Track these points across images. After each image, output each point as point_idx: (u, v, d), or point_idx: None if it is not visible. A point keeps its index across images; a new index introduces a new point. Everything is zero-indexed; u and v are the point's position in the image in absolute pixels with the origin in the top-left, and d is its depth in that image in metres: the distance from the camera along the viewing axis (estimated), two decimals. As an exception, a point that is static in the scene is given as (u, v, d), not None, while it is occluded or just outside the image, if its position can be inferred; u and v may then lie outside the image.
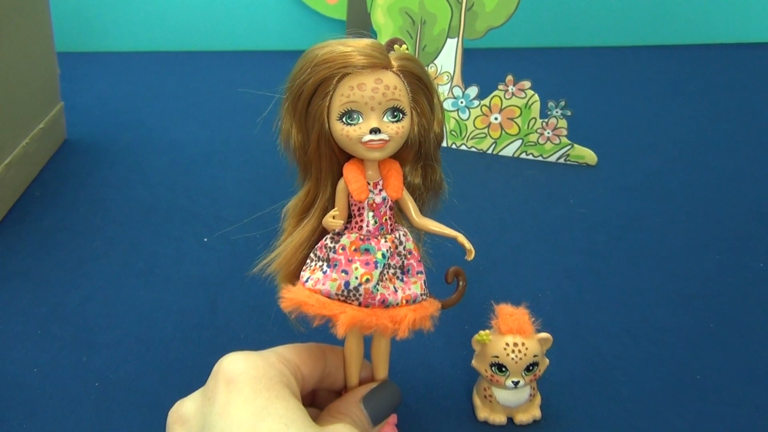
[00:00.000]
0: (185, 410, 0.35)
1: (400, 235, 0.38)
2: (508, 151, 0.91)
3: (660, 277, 0.64)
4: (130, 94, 1.10)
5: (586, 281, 0.62)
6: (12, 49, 0.73)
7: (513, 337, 0.42)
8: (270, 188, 0.79)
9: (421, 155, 0.39)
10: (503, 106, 0.88)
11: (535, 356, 0.42)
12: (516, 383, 0.42)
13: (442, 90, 0.89)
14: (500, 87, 0.87)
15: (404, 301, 0.37)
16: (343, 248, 0.37)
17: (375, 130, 0.34)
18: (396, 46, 0.36)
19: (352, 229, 0.38)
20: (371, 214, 0.37)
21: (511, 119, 0.88)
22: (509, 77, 0.85)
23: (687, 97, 1.16)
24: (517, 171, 0.87)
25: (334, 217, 0.37)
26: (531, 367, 0.42)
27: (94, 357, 0.51)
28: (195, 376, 0.49)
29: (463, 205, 0.76)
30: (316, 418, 0.38)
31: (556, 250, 0.68)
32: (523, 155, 0.90)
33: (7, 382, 0.48)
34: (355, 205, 0.37)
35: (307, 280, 0.38)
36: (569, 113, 0.85)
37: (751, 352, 0.53)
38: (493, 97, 0.88)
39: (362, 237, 0.37)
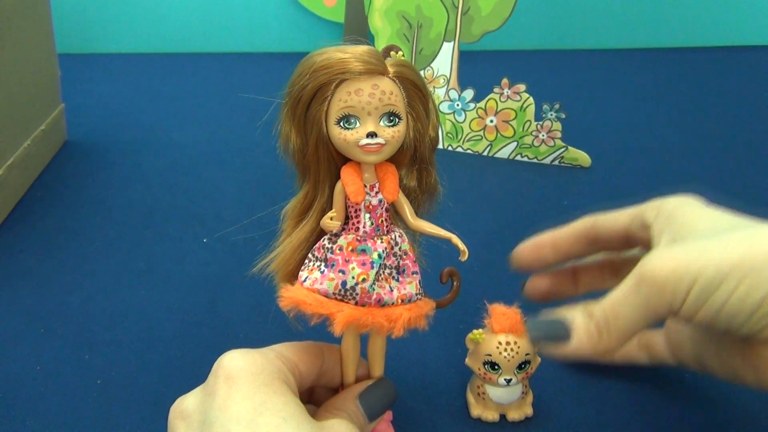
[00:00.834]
0: (186, 405, 0.36)
1: (395, 236, 0.39)
2: (504, 153, 0.92)
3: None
4: (131, 95, 1.10)
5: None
6: (13, 52, 0.74)
7: (506, 336, 0.43)
8: (269, 189, 0.79)
9: (416, 158, 0.39)
10: (499, 109, 0.88)
11: (527, 354, 0.43)
12: (508, 381, 0.43)
13: (439, 93, 0.90)
14: (496, 90, 0.87)
15: (400, 301, 0.38)
16: (341, 249, 0.38)
17: (371, 135, 0.35)
18: (392, 53, 0.37)
19: (349, 230, 0.38)
20: (368, 215, 0.38)
21: (507, 122, 0.89)
22: (504, 80, 0.86)
23: (681, 100, 1.16)
24: (513, 173, 0.87)
25: (331, 219, 0.38)
26: (523, 365, 0.43)
27: (96, 355, 0.52)
28: (195, 374, 0.49)
29: (459, 206, 0.77)
30: (313, 414, 0.38)
31: (550, 250, 0.68)
32: (518, 157, 0.91)
33: (10, 381, 0.49)
34: (352, 207, 0.38)
35: (305, 280, 0.38)
36: (564, 116, 0.86)
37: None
38: (488, 100, 0.88)
39: (359, 238, 0.38)
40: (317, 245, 0.39)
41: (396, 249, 0.39)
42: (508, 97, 0.87)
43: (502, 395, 0.45)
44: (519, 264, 0.47)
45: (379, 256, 0.37)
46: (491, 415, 0.46)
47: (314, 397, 0.43)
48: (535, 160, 0.91)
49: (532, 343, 0.43)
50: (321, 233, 0.39)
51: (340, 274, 0.37)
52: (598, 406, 0.48)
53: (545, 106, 0.86)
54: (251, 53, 1.39)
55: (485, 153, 0.93)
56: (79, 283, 0.61)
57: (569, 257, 0.46)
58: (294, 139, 0.38)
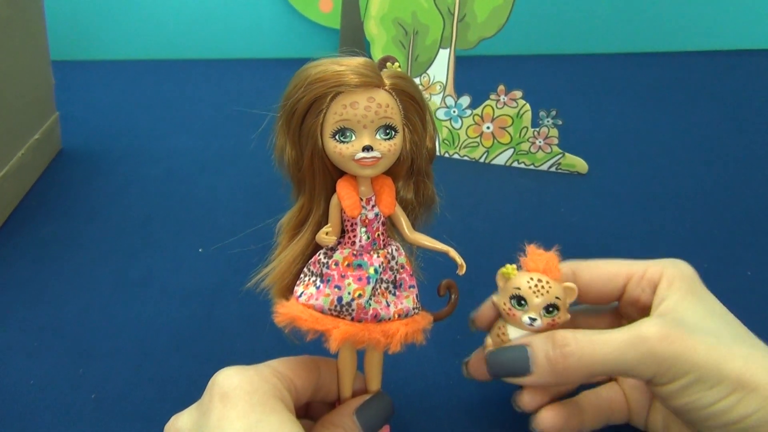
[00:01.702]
0: (181, 424, 0.35)
1: (392, 250, 0.38)
2: (500, 160, 0.91)
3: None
4: (126, 102, 1.09)
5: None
6: (6, 59, 0.73)
7: (538, 274, 0.41)
8: (266, 198, 0.79)
9: (413, 171, 0.39)
10: (495, 116, 0.88)
11: (557, 298, 0.40)
12: (533, 320, 0.40)
13: (435, 100, 0.89)
14: (492, 97, 0.87)
15: (396, 316, 0.37)
16: (336, 264, 0.37)
17: (367, 148, 0.34)
18: (388, 64, 0.37)
19: (345, 244, 0.38)
20: (364, 229, 0.37)
21: (503, 128, 0.89)
22: (501, 87, 0.86)
23: (678, 105, 1.16)
24: (509, 179, 0.87)
25: (327, 233, 0.38)
26: (551, 309, 0.40)
27: (91, 368, 0.51)
28: (191, 388, 0.49)
29: (455, 213, 0.76)
30: (309, 430, 0.38)
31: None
32: (515, 164, 0.91)
33: (2, 395, 0.49)
34: (348, 220, 0.37)
35: (300, 295, 0.38)
36: (560, 122, 0.86)
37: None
38: (485, 106, 0.88)
39: (355, 252, 0.37)
40: (313, 260, 0.39)
41: (393, 263, 0.38)
42: (504, 103, 0.87)
43: (522, 336, 0.42)
44: (480, 324, 0.45)
45: (376, 270, 0.37)
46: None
47: (311, 411, 0.43)
48: (531, 167, 0.90)
49: (492, 375, 0.42)
50: (317, 247, 0.39)
51: (336, 289, 0.37)
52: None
53: (542, 113, 0.86)
54: (247, 59, 1.38)
55: (482, 160, 0.92)
56: (74, 294, 0.61)
57: None
58: (289, 152, 0.37)
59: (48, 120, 0.87)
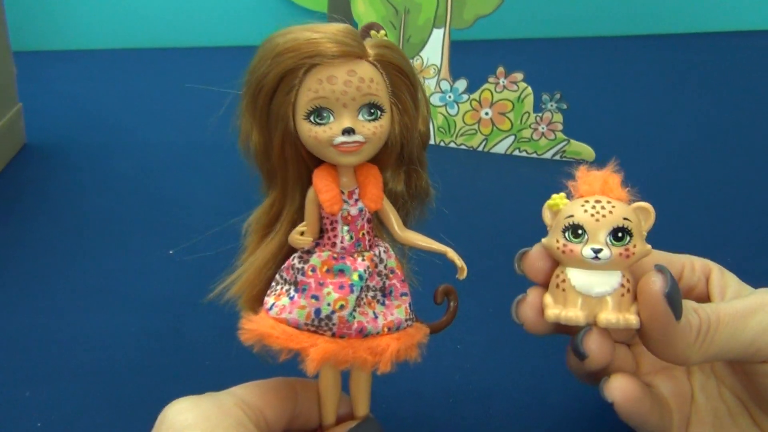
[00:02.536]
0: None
1: (380, 252, 0.34)
2: (500, 148, 0.87)
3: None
4: (95, 94, 1.06)
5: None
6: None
7: (596, 196, 0.33)
8: (247, 195, 0.73)
9: (404, 158, 0.35)
10: (494, 101, 0.84)
11: (626, 219, 0.32)
12: (597, 252, 0.32)
13: (429, 84, 0.85)
14: (490, 80, 0.83)
15: (386, 329, 0.33)
16: (313, 269, 0.33)
17: (348, 131, 0.30)
18: (372, 32, 0.32)
19: (324, 246, 0.33)
20: (346, 228, 0.33)
21: (503, 114, 0.85)
22: (500, 69, 0.82)
23: (690, 88, 1.12)
24: (510, 169, 0.83)
25: (302, 234, 0.33)
26: (621, 235, 0.32)
27: (39, 392, 0.46)
28: (152, 412, 0.43)
29: (452, 207, 0.70)
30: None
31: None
32: (516, 152, 0.87)
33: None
34: (328, 218, 0.33)
35: (271, 308, 0.33)
36: (565, 107, 0.82)
37: None
38: (483, 90, 0.84)
39: (335, 255, 0.33)
40: (286, 265, 0.34)
41: (381, 267, 0.34)
42: (504, 87, 0.83)
43: (588, 280, 0.33)
44: (529, 271, 0.39)
45: (360, 276, 0.33)
46: (573, 314, 0.32)
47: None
48: (534, 155, 0.86)
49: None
50: (291, 250, 0.34)
51: (313, 300, 0.32)
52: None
53: (545, 96, 0.82)
54: (228, 47, 1.32)
55: (480, 148, 0.88)
56: (26, 304, 0.55)
57: None
58: (256, 138, 0.33)
59: (10, 112, 0.82)
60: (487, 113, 0.85)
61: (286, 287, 0.34)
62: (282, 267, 0.34)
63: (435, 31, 0.83)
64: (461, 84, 0.84)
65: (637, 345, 0.39)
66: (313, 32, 0.30)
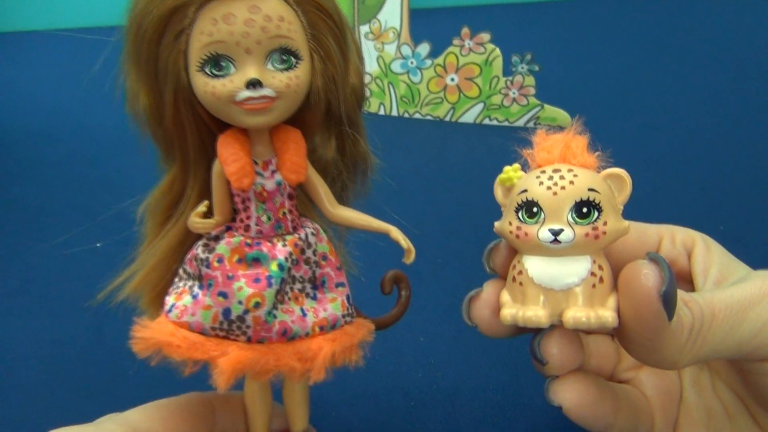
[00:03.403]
0: None
1: (307, 235, 0.29)
2: (469, 117, 0.83)
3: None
4: (27, 76, 1.01)
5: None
6: None
7: (554, 165, 0.27)
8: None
9: (333, 119, 0.29)
10: (460, 65, 0.79)
11: (592, 191, 0.26)
12: (557, 234, 0.25)
13: (388, 50, 0.78)
14: (455, 42, 0.78)
15: (317, 329, 0.28)
16: (220, 260, 0.28)
17: (254, 83, 0.25)
18: None
19: (236, 230, 0.28)
20: (261, 206, 0.28)
21: (470, 79, 0.79)
22: (465, 30, 0.77)
23: (668, 48, 1.09)
24: (480, 139, 0.78)
25: (204, 215, 0.28)
26: (586, 210, 0.25)
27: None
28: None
29: (418, 183, 0.67)
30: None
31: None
32: (487, 121, 0.82)
33: None
34: (239, 195, 0.28)
35: (170, 309, 0.28)
36: (537, 69, 0.77)
37: None
38: (447, 54, 0.79)
39: (249, 241, 0.28)
40: (189, 256, 0.29)
41: (309, 253, 0.29)
42: (470, 49, 0.77)
43: (550, 270, 0.26)
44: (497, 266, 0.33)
45: (281, 266, 0.27)
46: (533, 313, 0.26)
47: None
48: (506, 123, 0.81)
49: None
50: (199, 238, 0.29)
51: (220, 298, 0.27)
52: None
53: (515, 58, 0.77)
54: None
55: (447, 118, 0.83)
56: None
57: None
58: (144, 99, 0.28)
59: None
60: (453, 79, 0.80)
61: (190, 283, 0.29)
62: (185, 259, 0.29)
63: (392, -10, 0.77)
64: (424, 48, 0.79)
65: None
66: None
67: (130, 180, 0.69)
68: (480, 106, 0.80)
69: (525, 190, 0.26)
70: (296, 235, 0.28)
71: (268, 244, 0.27)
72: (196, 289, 0.27)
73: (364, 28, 0.77)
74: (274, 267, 0.27)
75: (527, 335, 0.29)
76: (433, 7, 0.90)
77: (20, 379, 0.43)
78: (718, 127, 0.81)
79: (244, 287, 0.26)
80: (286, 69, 0.26)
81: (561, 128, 0.71)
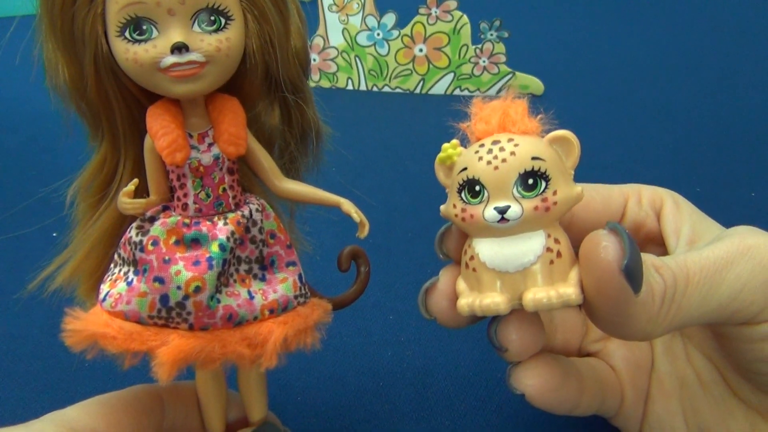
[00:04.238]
0: None
1: (251, 212, 0.27)
2: (439, 89, 0.81)
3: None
4: None
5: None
6: None
7: (493, 136, 0.25)
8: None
9: (274, 85, 0.27)
10: (428, 35, 0.77)
11: (536, 159, 0.24)
12: (503, 211, 0.23)
13: (353, 22, 0.76)
14: (421, 11, 0.76)
15: (267, 312, 0.26)
16: (155, 242, 0.26)
17: (179, 48, 0.23)
18: None
19: (174, 209, 0.26)
20: (199, 183, 0.26)
21: (439, 49, 0.77)
22: None
23: (639, 6, 1.08)
24: (451, 111, 0.74)
25: (131, 194, 0.26)
26: (532, 181, 0.24)
27: None
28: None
29: (389, 157, 0.65)
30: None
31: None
32: (457, 91, 0.80)
33: None
34: (174, 171, 0.26)
35: (104, 298, 0.25)
36: (506, 35, 0.75)
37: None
38: (414, 24, 0.77)
39: (187, 221, 0.26)
40: (122, 239, 0.27)
41: (254, 231, 0.27)
42: (437, 17, 0.75)
43: (501, 252, 0.24)
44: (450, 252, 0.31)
45: (222, 246, 0.25)
46: (491, 300, 0.24)
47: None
48: (477, 93, 0.80)
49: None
50: (135, 219, 0.27)
51: (157, 284, 0.25)
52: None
53: (483, 25, 0.75)
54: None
55: (417, 90, 0.81)
56: None
57: None
58: (64, 70, 0.25)
59: None
60: (421, 50, 0.77)
61: (125, 269, 0.27)
62: (120, 242, 0.27)
63: (354, -42, 0.74)
64: (389, 18, 0.77)
65: None
66: None
67: (84, 165, 0.67)
68: (450, 76, 0.78)
69: (465, 168, 0.24)
70: (239, 213, 0.26)
71: (208, 223, 0.25)
72: (130, 276, 0.25)
73: (328, 1, 0.75)
74: (214, 248, 0.25)
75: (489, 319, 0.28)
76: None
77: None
78: (693, 89, 0.80)
79: (182, 271, 0.24)
80: (216, 31, 0.24)
81: (534, 96, 0.68)
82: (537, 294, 0.23)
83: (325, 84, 0.81)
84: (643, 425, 0.30)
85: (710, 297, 0.23)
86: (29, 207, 0.58)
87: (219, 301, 0.25)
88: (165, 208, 0.26)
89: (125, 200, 0.25)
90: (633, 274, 0.22)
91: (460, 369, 0.38)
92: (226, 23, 0.24)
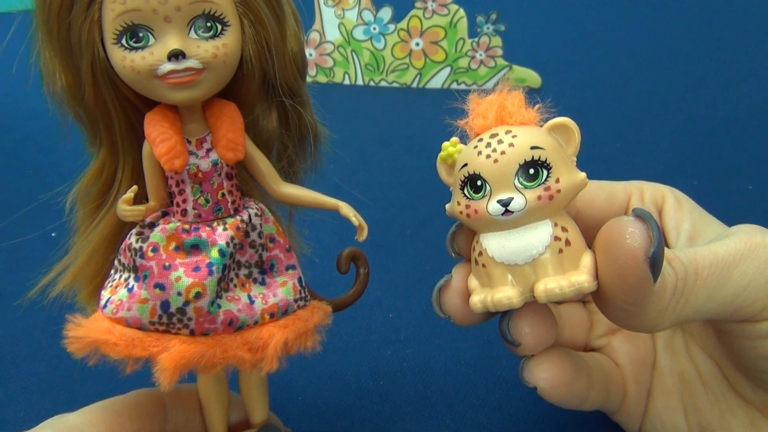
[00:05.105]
0: None
1: (250, 216, 0.27)
2: (436, 83, 0.81)
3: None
4: None
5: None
6: None
7: (491, 130, 0.25)
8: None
9: (271, 89, 0.27)
10: (424, 28, 0.77)
11: (535, 149, 0.24)
12: (506, 204, 0.23)
13: (349, 17, 0.75)
14: (417, 5, 0.76)
15: (267, 316, 0.27)
16: (155, 249, 0.26)
17: (176, 55, 0.23)
18: None
19: (173, 215, 0.26)
20: (198, 188, 0.26)
21: (436, 43, 0.77)
22: None
23: (638, 1, 1.08)
24: (449, 105, 0.74)
25: (131, 201, 0.25)
26: (534, 171, 0.24)
27: None
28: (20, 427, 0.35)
29: (386, 152, 0.65)
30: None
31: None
32: (454, 85, 0.81)
33: None
34: (173, 177, 0.26)
35: (106, 305, 0.26)
36: (503, 28, 0.75)
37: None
38: (410, 18, 0.77)
39: (186, 227, 0.26)
40: (123, 246, 0.27)
41: (253, 236, 0.27)
42: (433, 11, 0.75)
43: (508, 245, 0.24)
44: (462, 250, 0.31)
45: (222, 252, 0.26)
46: (503, 295, 0.24)
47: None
48: (474, 87, 0.80)
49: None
50: (135, 225, 0.27)
51: (157, 290, 0.25)
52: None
53: (479, 18, 0.75)
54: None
55: (414, 84, 0.81)
56: None
57: None
58: (62, 77, 0.25)
59: None
60: (417, 44, 0.77)
61: (125, 275, 0.27)
62: (120, 248, 0.27)
63: (350, -48, 0.74)
64: (386, 13, 0.77)
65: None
66: None
67: (83, 163, 0.67)
68: (447, 70, 0.78)
69: (465, 165, 0.24)
70: (238, 218, 0.26)
71: (207, 228, 0.26)
72: (131, 282, 0.25)
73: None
74: (214, 253, 0.25)
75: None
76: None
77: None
78: (691, 81, 0.80)
79: (182, 277, 0.24)
80: (212, 37, 0.24)
81: (531, 89, 0.68)
82: (548, 284, 0.23)
83: (322, 79, 0.81)
84: (644, 421, 0.31)
85: (716, 293, 0.23)
86: (30, 210, 0.59)
87: (219, 306, 0.25)
88: (164, 214, 0.26)
89: (125, 208, 0.25)
90: (657, 263, 0.22)
91: (460, 366, 0.38)
92: (222, 29, 0.24)
